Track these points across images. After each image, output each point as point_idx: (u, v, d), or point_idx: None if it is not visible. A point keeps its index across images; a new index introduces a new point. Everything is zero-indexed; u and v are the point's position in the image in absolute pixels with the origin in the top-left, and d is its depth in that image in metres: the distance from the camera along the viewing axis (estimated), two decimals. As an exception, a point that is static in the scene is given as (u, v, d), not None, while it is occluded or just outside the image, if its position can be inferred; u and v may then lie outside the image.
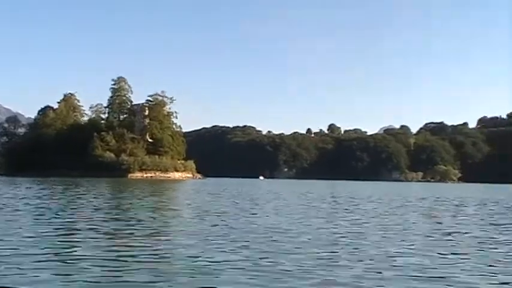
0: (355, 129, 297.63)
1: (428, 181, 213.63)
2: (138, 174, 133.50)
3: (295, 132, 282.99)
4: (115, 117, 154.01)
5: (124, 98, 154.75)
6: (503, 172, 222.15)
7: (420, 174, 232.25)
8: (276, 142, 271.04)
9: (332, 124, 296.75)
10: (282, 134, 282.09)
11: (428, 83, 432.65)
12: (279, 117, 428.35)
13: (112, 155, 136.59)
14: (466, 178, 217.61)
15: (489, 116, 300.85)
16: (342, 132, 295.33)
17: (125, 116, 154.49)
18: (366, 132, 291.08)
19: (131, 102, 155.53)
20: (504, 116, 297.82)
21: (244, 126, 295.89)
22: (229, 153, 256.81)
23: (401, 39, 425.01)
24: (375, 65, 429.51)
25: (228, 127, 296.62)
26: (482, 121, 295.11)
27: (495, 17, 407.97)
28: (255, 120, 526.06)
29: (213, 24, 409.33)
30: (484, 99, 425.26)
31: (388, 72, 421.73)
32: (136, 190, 48.13)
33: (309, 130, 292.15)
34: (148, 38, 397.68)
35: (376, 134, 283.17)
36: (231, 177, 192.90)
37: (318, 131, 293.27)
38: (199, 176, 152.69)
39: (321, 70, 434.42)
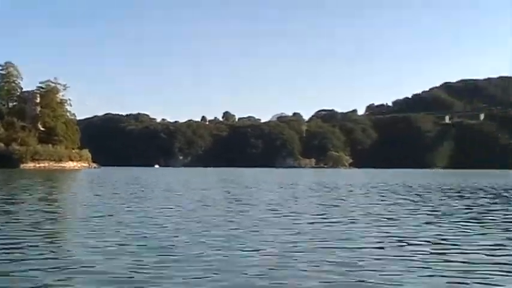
0: (249, 117, 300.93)
1: (321, 167, 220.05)
2: (30, 165, 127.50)
3: (189, 120, 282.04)
4: (3, 105, 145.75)
5: (13, 84, 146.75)
6: (390, 157, 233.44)
7: (313, 160, 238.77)
8: (171, 130, 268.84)
9: (227, 112, 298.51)
10: (177, 121, 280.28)
11: (318, 71, 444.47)
12: (172, 105, 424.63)
13: (1, 144, 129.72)
14: (356, 164, 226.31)
15: (376, 103, 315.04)
16: (237, 119, 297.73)
17: (14, 103, 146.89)
18: (259, 119, 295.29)
19: (21, 89, 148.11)
20: (390, 104, 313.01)
21: (138, 114, 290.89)
22: (124, 142, 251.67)
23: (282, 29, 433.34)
24: (266, 53, 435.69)
25: (121, 115, 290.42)
26: (370, 108, 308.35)
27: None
28: (148, 108, 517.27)
29: (101, 11, 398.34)
30: (372, 87, 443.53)
31: (279, 62, 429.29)
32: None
33: (203, 118, 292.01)
34: (39, 25, 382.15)
35: (269, 121, 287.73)
36: (126, 165, 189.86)
37: (212, 118, 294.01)
38: (94, 165, 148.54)
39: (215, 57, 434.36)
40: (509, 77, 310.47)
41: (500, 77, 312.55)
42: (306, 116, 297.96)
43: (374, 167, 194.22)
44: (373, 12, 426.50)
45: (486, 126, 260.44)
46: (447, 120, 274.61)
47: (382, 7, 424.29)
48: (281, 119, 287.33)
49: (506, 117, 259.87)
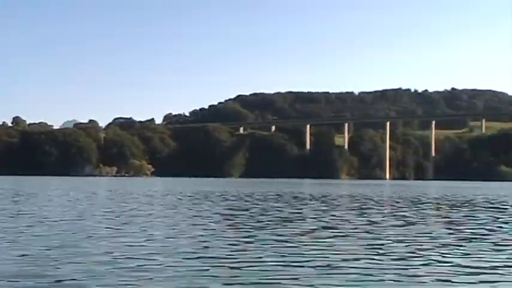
0: (40, 123, 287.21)
1: (123, 176, 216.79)
2: None
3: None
4: None
5: None
6: (190, 166, 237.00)
7: (114, 169, 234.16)
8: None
9: (17, 117, 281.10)
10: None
11: (115, 79, 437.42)
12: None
13: None
14: (157, 172, 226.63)
15: (174, 113, 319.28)
16: (27, 125, 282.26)
17: None
18: (52, 126, 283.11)
19: None
20: (187, 114, 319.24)
21: None
22: None
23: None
24: (60, 57, 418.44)
25: None
26: (168, 118, 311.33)
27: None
28: None
29: None
30: (169, 98, 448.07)
31: (76, 66, 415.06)
32: None
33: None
34: None
35: (65, 128, 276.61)
36: None
37: (1, 123, 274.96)
38: None
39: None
40: (297, 92, 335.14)
41: (289, 92, 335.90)
42: (102, 124, 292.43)
43: (174, 176, 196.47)
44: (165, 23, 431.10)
45: (277, 138, 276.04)
46: (241, 131, 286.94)
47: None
48: (77, 125, 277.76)
49: (295, 130, 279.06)
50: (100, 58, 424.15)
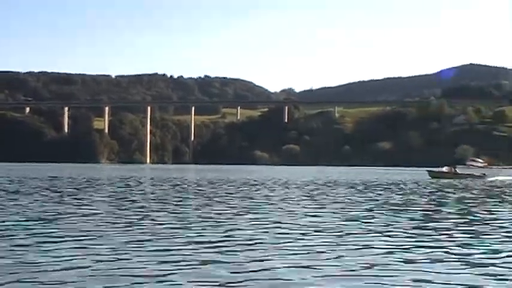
0: None
1: None
2: None
3: None
4: None
5: None
6: None
7: None
8: None
9: None
10: None
11: None
12: None
13: None
14: None
15: None
16: None
17: None
18: None
19: None
20: None
21: None
22: None
23: None
24: None
25: None
26: None
27: None
28: None
29: None
30: None
31: None
32: None
33: None
34: None
35: None
36: None
37: None
38: None
39: None
40: (52, 73, 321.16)
41: (43, 72, 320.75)
42: None
43: None
44: None
45: (32, 120, 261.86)
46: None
47: None
48: None
49: (51, 112, 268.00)
50: None
